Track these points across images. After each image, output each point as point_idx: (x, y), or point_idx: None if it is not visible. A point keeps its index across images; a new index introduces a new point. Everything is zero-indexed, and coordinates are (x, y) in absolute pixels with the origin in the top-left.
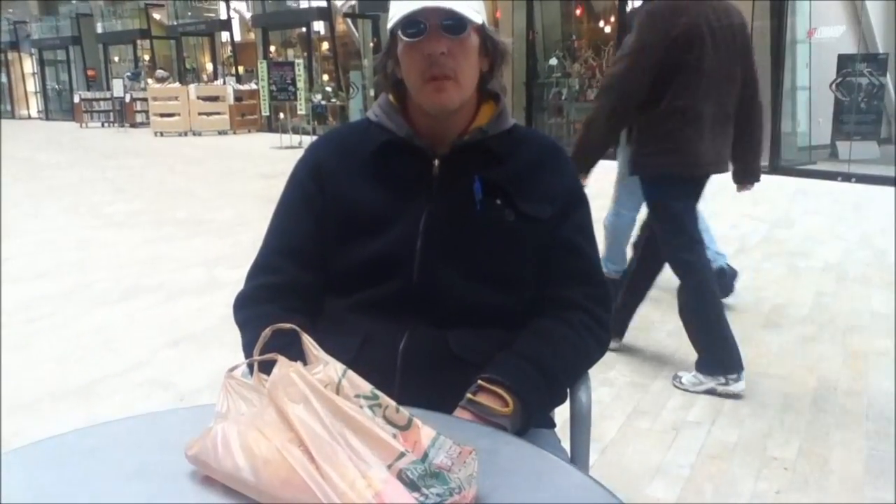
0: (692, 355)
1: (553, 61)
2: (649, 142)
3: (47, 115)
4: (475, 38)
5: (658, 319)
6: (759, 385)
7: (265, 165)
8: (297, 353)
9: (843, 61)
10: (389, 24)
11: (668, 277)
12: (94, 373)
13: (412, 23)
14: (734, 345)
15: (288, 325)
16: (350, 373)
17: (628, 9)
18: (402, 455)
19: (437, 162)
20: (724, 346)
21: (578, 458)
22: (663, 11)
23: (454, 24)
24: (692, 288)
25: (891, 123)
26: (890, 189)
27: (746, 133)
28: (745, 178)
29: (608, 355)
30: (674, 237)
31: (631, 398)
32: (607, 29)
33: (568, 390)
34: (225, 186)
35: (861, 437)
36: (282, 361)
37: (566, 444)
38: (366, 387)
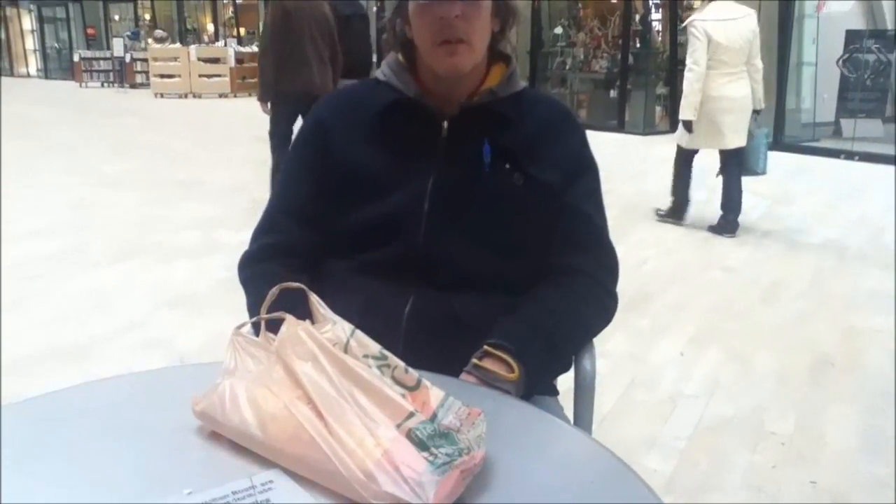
0: (692, 327)
1: (558, 30)
2: None
3: (46, 73)
4: (488, 0)
5: (657, 291)
6: (757, 360)
7: (264, 129)
8: (304, 313)
9: (852, 37)
10: None
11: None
12: (89, 333)
13: None
14: None
15: (295, 284)
16: (358, 333)
17: None
18: (411, 415)
19: (445, 123)
20: None
21: (582, 424)
22: None
23: None
24: None
25: None
26: (891, 168)
27: None
28: None
29: (606, 328)
30: None
31: (629, 370)
32: None
33: (573, 358)
34: (224, 149)
35: (856, 413)
36: (290, 320)
37: (569, 413)
38: (374, 347)
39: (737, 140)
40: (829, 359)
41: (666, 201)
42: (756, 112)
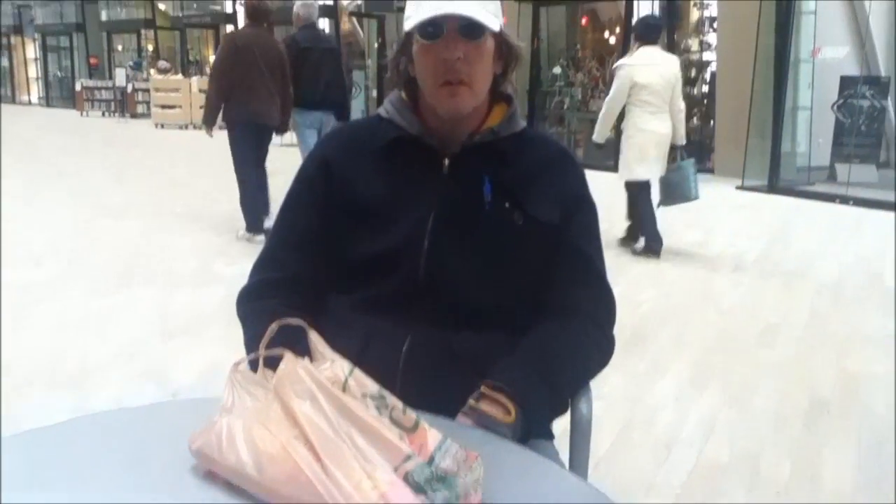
0: (688, 369)
1: (557, 70)
2: None
3: (48, 101)
4: (491, 42)
5: (654, 331)
6: (753, 403)
7: (269, 163)
8: (303, 350)
9: (846, 83)
10: (406, 25)
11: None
12: (86, 361)
13: (429, 23)
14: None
15: (295, 321)
16: (357, 371)
17: (633, 20)
18: (408, 457)
19: (447, 161)
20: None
21: (577, 468)
22: None
23: (472, 28)
24: None
25: (890, 148)
26: (886, 213)
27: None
28: None
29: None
30: None
31: (624, 412)
32: (612, 39)
33: (569, 401)
34: (224, 181)
35: (853, 458)
36: (289, 357)
37: (564, 457)
38: (373, 386)
39: (657, 170)
40: (825, 403)
41: (664, 239)
42: (681, 147)
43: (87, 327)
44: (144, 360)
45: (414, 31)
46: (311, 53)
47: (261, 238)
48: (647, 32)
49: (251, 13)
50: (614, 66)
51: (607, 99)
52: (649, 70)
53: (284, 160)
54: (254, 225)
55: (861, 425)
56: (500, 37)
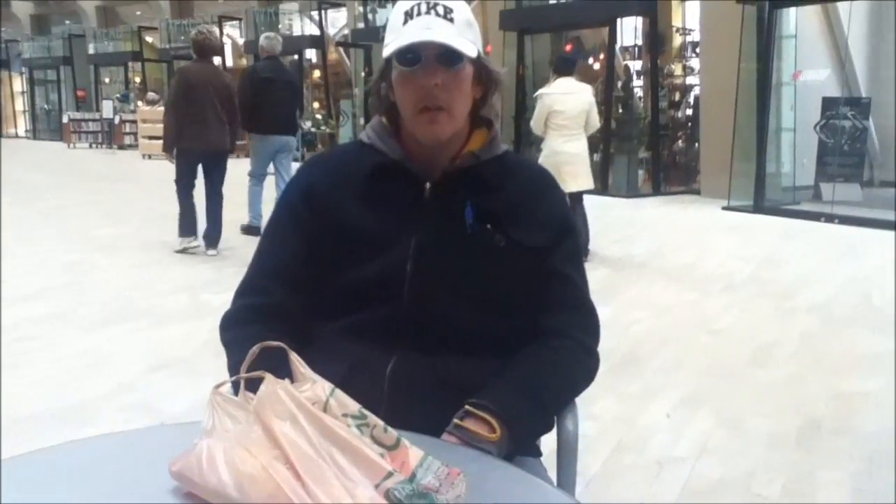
0: (680, 390)
1: None
2: None
3: (35, 134)
4: (469, 69)
5: (645, 353)
6: (745, 423)
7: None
8: (284, 373)
9: (828, 104)
10: (385, 52)
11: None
12: (78, 397)
13: (408, 50)
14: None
15: (276, 343)
16: (338, 392)
17: (618, 47)
18: (389, 475)
19: (428, 185)
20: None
21: (565, 486)
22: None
23: (449, 55)
24: None
25: (873, 166)
26: (871, 231)
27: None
28: None
29: (594, 390)
30: None
31: (616, 433)
32: (596, 66)
33: (555, 419)
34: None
35: (846, 477)
36: (269, 379)
37: (552, 475)
38: (353, 406)
39: (575, 185)
40: (818, 422)
41: (654, 261)
42: None
43: (81, 362)
44: (138, 394)
45: (393, 58)
46: (271, 84)
47: (194, 244)
48: (564, 66)
49: (199, 49)
50: (535, 94)
51: (531, 123)
52: (565, 98)
53: (273, 189)
54: (187, 231)
55: (854, 444)
56: (478, 62)
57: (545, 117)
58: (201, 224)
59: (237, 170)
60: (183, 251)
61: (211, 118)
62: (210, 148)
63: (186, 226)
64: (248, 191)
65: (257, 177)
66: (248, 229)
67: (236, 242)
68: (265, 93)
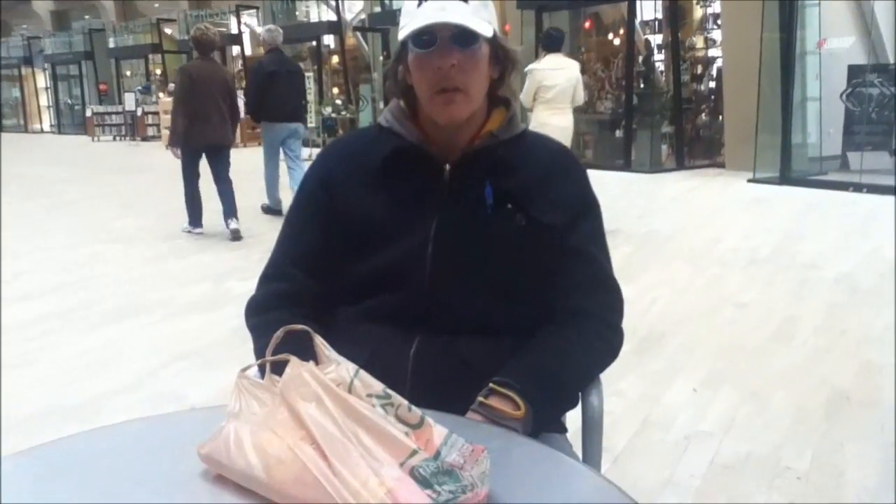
0: (705, 366)
1: None
2: None
3: (59, 128)
4: (485, 49)
5: (669, 330)
6: (772, 397)
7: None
8: (309, 356)
9: (854, 72)
10: (400, 34)
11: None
12: (102, 388)
13: (423, 32)
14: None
15: (300, 327)
16: (362, 373)
17: (637, 21)
18: (414, 453)
19: (447, 167)
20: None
21: (591, 461)
22: None
23: (465, 36)
24: None
25: None
26: None
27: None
28: None
29: (618, 367)
30: None
31: (642, 409)
32: (616, 41)
33: (580, 395)
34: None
35: (874, 448)
36: (294, 361)
37: (578, 451)
38: (378, 386)
39: None
40: (845, 394)
41: (678, 237)
42: None
43: (103, 354)
44: (162, 384)
45: (408, 41)
46: (276, 76)
47: (199, 230)
48: (551, 43)
49: (198, 45)
50: (525, 70)
51: (521, 96)
52: (555, 73)
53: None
54: (195, 221)
55: (883, 415)
56: (494, 42)
57: (534, 91)
58: (206, 213)
59: (254, 157)
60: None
61: (213, 114)
62: (212, 143)
63: (192, 215)
64: (265, 177)
65: (272, 163)
66: (268, 209)
67: (260, 229)
68: (271, 84)
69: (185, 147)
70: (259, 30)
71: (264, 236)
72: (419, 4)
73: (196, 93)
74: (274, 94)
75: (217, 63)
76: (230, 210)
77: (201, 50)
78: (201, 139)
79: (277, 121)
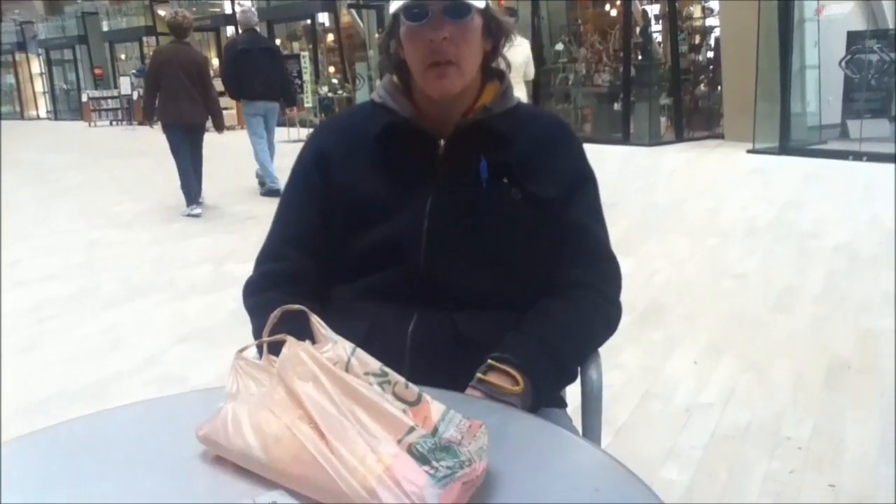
0: (705, 337)
1: (559, 46)
2: None
3: (56, 115)
4: (478, 21)
5: (669, 302)
6: (772, 367)
7: (275, 159)
8: (305, 335)
9: (853, 38)
10: (392, 7)
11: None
12: (104, 372)
13: (414, 5)
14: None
15: (297, 307)
16: (359, 351)
17: None
18: (411, 429)
19: (442, 143)
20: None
21: (590, 435)
22: None
23: (457, 8)
24: None
25: None
26: None
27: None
28: None
29: (618, 340)
30: None
31: (643, 382)
32: (613, 12)
33: (578, 369)
34: (232, 182)
35: (875, 416)
36: (291, 341)
37: (578, 426)
38: (374, 364)
39: None
40: (845, 363)
41: (677, 209)
42: None
43: (106, 339)
44: (165, 367)
45: (400, 14)
46: (249, 54)
47: (198, 211)
48: None
49: (172, 30)
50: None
51: None
52: (509, 50)
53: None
54: (192, 202)
55: (882, 382)
56: (487, 14)
57: None
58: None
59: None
60: (189, 216)
61: (181, 94)
62: (184, 122)
63: (188, 193)
64: (255, 154)
65: (258, 135)
66: (269, 191)
67: (258, 211)
68: (245, 63)
69: (165, 128)
70: (238, 11)
71: (265, 217)
72: None
73: (165, 74)
74: (249, 72)
75: (190, 47)
76: (193, 199)
77: (174, 33)
78: (172, 118)
79: (254, 98)
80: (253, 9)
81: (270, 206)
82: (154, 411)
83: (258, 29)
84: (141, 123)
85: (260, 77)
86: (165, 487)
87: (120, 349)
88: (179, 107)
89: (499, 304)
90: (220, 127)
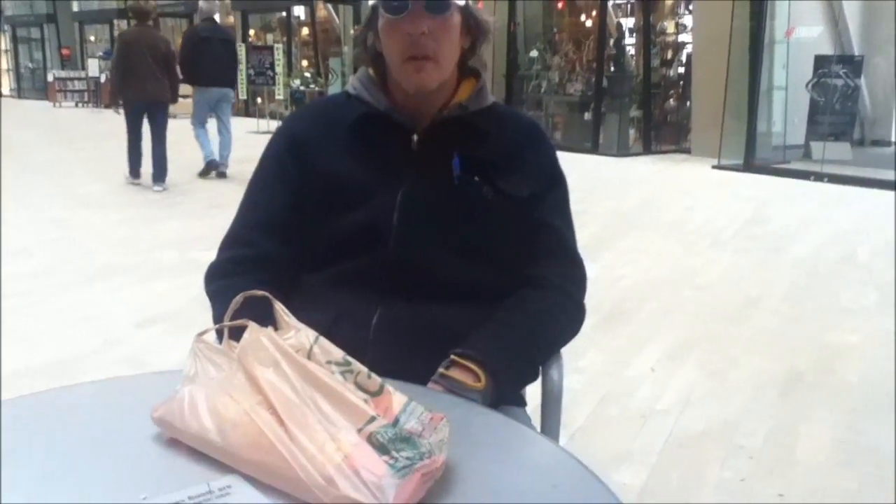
0: (667, 343)
1: (534, 53)
2: None
3: (20, 93)
4: (457, 17)
5: (633, 307)
6: (729, 375)
7: (241, 149)
8: (268, 322)
9: (820, 62)
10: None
11: (653, 280)
12: (68, 352)
13: None
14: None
15: (260, 293)
16: (322, 339)
17: (610, 3)
18: (372, 419)
19: (415, 136)
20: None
21: (549, 435)
22: None
23: (437, 3)
24: None
25: (864, 125)
26: (860, 189)
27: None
28: None
29: (580, 343)
30: None
31: (602, 386)
32: (588, 23)
33: (540, 369)
34: (199, 169)
35: (827, 428)
36: (252, 326)
37: (537, 425)
38: (337, 353)
39: None
40: (801, 374)
41: (643, 217)
42: None
43: (69, 318)
44: (128, 349)
45: (379, 6)
46: (208, 42)
47: (139, 181)
48: None
49: (135, 14)
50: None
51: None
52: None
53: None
54: (134, 172)
55: (836, 395)
56: (466, 11)
57: None
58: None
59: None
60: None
61: (146, 73)
62: (149, 98)
63: (133, 166)
64: (195, 136)
65: (200, 123)
66: (206, 170)
67: (230, 197)
68: (203, 50)
69: (126, 105)
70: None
71: (231, 204)
72: None
73: (130, 56)
74: (206, 59)
75: (153, 29)
76: (160, 174)
77: (137, 18)
78: (137, 96)
79: (209, 85)
80: (216, 1)
81: (235, 194)
82: (111, 391)
83: (217, 18)
84: (107, 106)
85: (218, 65)
86: (118, 466)
87: (83, 330)
88: (144, 85)
89: (464, 298)
90: (173, 99)
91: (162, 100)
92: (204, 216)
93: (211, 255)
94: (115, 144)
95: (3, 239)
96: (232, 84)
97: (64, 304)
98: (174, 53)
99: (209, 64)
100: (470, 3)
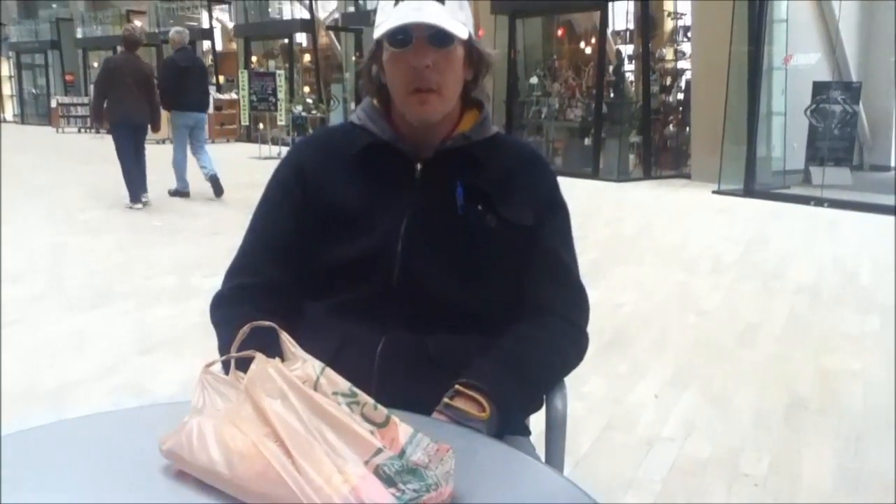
0: (669, 369)
1: (534, 80)
2: None
3: (23, 118)
4: (460, 50)
5: (634, 334)
6: (732, 402)
7: (243, 175)
8: (275, 352)
9: (818, 88)
10: (376, 33)
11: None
12: (65, 378)
13: (399, 31)
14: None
15: (266, 323)
16: (328, 370)
17: (609, 31)
18: (379, 451)
19: (419, 166)
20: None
21: (554, 464)
22: None
23: (440, 36)
24: None
25: (863, 150)
26: (860, 214)
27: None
28: None
29: (583, 370)
30: None
31: (605, 413)
32: (588, 50)
33: (544, 397)
34: (202, 194)
35: (831, 454)
36: (260, 358)
37: (541, 454)
38: (344, 384)
39: None
40: (804, 401)
41: (643, 243)
42: None
43: (67, 344)
44: (126, 375)
45: (384, 39)
46: (187, 70)
47: (139, 206)
48: None
49: (125, 42)
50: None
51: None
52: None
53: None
54: (135, 197)
55: (839, 422)
56: (469, 44)
57: None
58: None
59: (224, 152)
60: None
61: (128, 98)
62: (130, 121)
63: (132, 190)
64: (174, 162)
65: (182, 148)
66: (176, 192)
67: (231, 222)
68: (181, 78)
69: (113, 129)
70: (172, 31)
71: (229, 230)
72: (395, 3)
73: (113, 81)
74: (183, 86)
75: (138, 58)
76: (136, 195)
77: (127, 46)
78: (119, 118)
79: (186, 109)
80: (186, 29)
81: (235, 221)
82: (118, 423)
83: (189, 47)
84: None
85: (197, 91)
86: (127, 500)
87: (81, 356)
88: (125, 108)
89: (469, 327)
90: (156, 126)
91: (143, 122)
92: (202, 243)
93: (211, 282)
94: (115, 169)
95: (2, 264)
96: (206, 108)
97: (62, 331)
98: (154, 81)
99: (188, 91)
100: (473, 36)
